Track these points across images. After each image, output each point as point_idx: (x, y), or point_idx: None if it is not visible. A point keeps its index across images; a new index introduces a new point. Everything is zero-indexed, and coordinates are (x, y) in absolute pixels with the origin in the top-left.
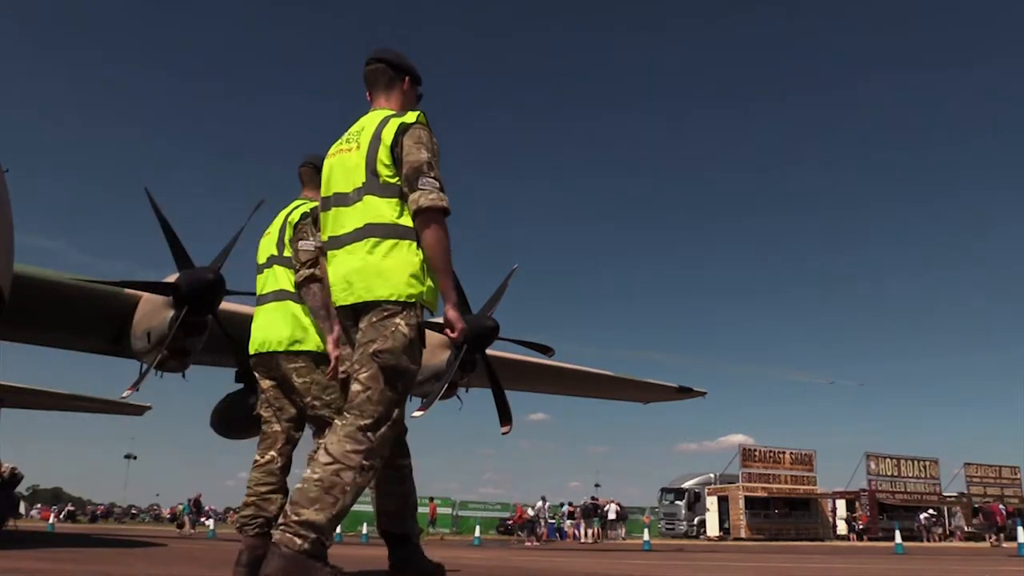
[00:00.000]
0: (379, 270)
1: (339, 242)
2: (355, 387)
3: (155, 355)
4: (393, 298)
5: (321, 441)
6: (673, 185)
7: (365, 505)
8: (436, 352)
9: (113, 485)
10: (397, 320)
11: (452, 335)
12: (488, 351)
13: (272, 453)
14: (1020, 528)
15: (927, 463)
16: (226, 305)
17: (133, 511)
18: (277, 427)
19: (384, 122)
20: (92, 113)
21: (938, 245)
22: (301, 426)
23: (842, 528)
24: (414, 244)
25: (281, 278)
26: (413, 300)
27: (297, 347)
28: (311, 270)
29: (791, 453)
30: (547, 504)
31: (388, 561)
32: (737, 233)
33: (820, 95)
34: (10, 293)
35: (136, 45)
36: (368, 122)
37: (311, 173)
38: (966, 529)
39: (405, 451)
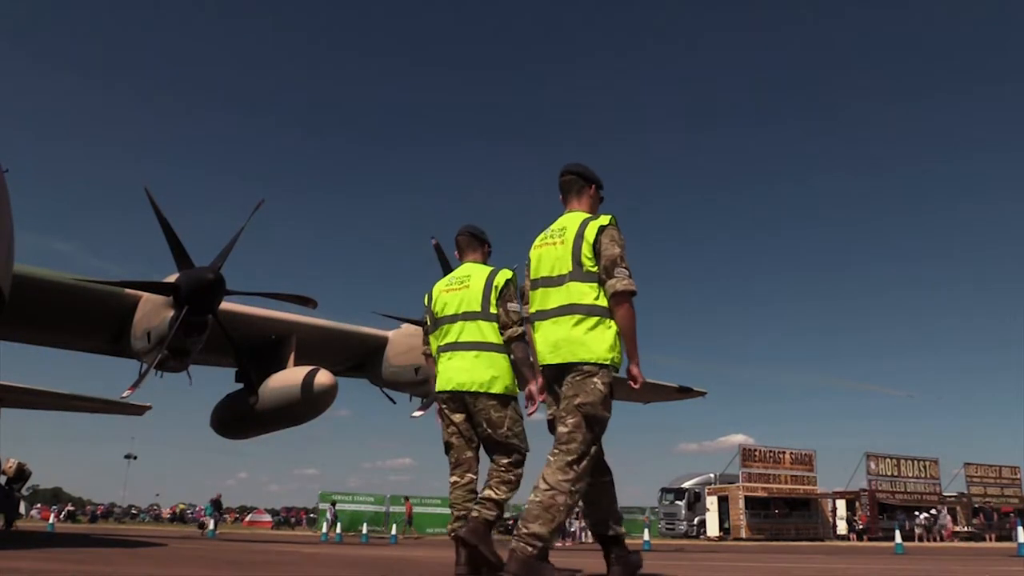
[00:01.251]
0: (583, 339)
1: (546, 315)
2: (562, 429)
3: (155, 355)
4: (592, 360)
5: (505, 461)
6: (673, 184)
7: (365, 505)
8: None
9: (113, 485)
10: (595, 379)
11: (635, 386)
12: None
13: (470, 475)
14: (1020, 528)
15: (927, 463)
16: (226, 305)
17: (133, 511)
18: (469, 453)
19: (585, 224)
20: (108, 115)
21: (935, 244)
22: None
23: (842, 528)
24: (609, 319)
25: (487, 332)
26: (607, 363)
27: (496, 389)
28: (523, 328)
29: (791, 453)
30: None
31: (605, 560)
32: (736, 231)
33: (824, 98)
34: (10, 293)
35: (152, 50)
36: (569, 223)
37: (468, 240)
38: (950, 528)
39: (605, 469)
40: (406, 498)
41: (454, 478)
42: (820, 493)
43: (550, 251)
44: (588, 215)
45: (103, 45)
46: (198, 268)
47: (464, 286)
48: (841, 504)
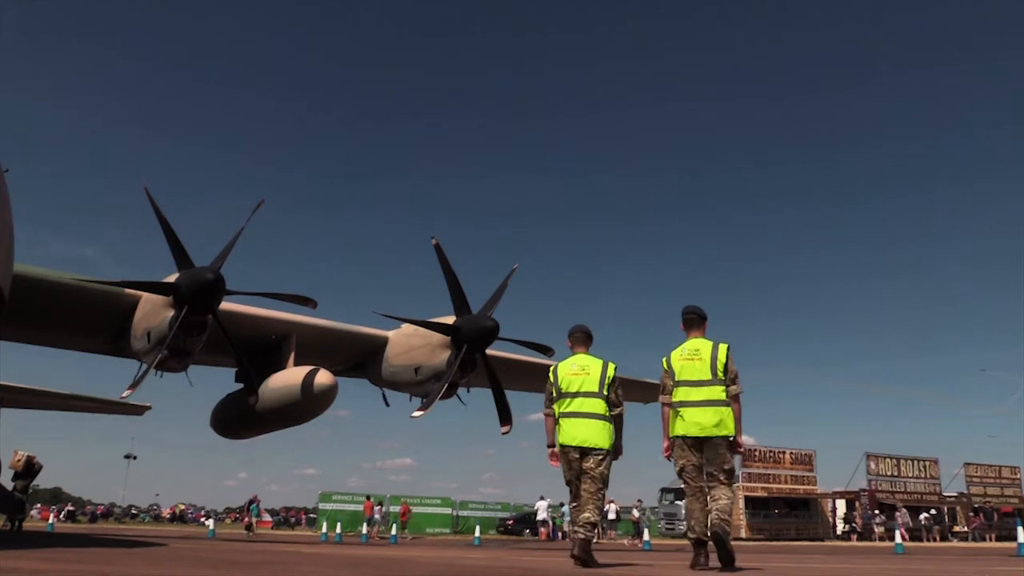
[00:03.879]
0: (720, 423)
1: (692, 404)
2: (723, 476)
3: (155, 355)
4: (728, 435)
5: (595, 489)
6: (674, 183)
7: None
8: (436, 352)
9: (113, 485)
10: (727, 448)
11: (739, 450)
12: (488, 351)
13: (580, 499)
14: (1020, 528)
15: (927, 463)
16: (226, 305)
17: (133, 511)
18: (579, 484)
19: (716, 348)
20: (130, 117)
21: (934, 242)
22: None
23: (842, 528)
24: (730, 409)
25: (600, 407)
26: (732, 436)
27: (603, 446)
28: (621, 409)
29: (791, 453)
30: (644, 508)
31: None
32: (737, 229)
33: (827, 90)
34: (10, 293)
35: (175, 53)
36: (701, 346)
37: (581, 337)
38: (903, 529)
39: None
40: (368, 497)
41: (576, 505)
42: (820, 493)
43: (690, 364)
44: (711, 341)
45: (106, 40)
46: (198, 268)
47: (585, 372)
48: (841, 504)
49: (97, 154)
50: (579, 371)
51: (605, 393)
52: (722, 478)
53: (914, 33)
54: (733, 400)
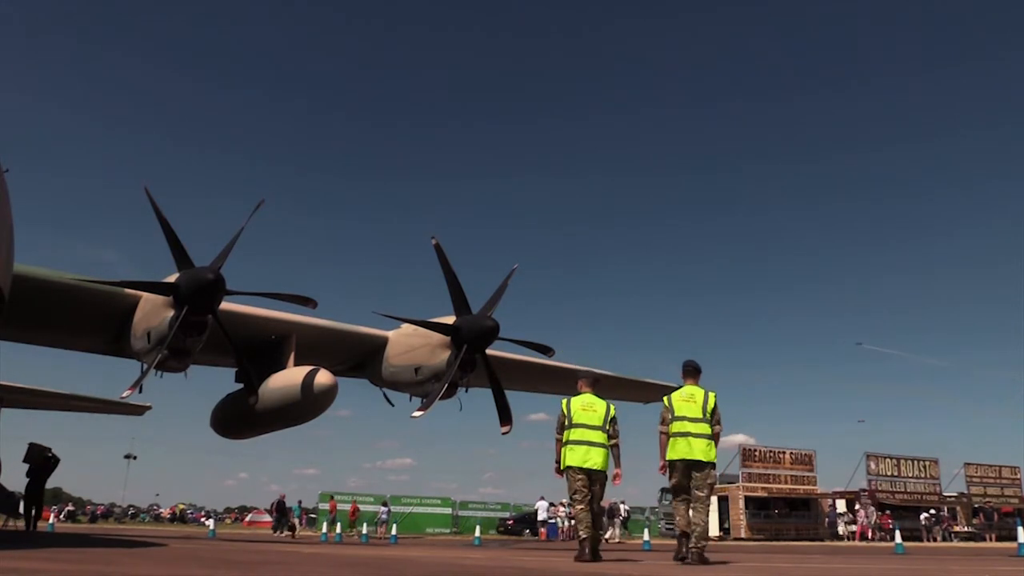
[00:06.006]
0: (709, 451)
1: (686, 435)
2: (701, 495)
3: (155, 355)
4: (712, 460)
5: (602, 506)
6: (674, 183)
7: (365, 505)
8: (436, 352)
9: (113, 485)
10: (713, 471)
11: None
12: (488, 351)
13: (590, 506)
14: (1020, 528)
15: (927, 463)
16: (226, 305)
17: (133, 511)
18: (588, 496)
19: (707, 395)
20: (146, 119)
21: (932, 241)
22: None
23: (842, 528)
24: (714, 441)
25: (603, 438)
26: (715, 462)
27: (604, 469)
28: (616, 440)
29: (791, 453)
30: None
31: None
32: (739, 230)
33: (825, 88)
34: (10, 293)
35: (175, 53)
36: (695, 392)
37: (591, 380)
38: (863, 526)
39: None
40: (331, 496)
41: (581, 506)
42: (820, 493)
43: (685, 404)
44: (703, 389)
45: (106, 41)
46: (198, 268)
47: (593, 410)
48: (841, 504)
49: (109, 156)
50: (587, 407)
51: (607, 428)
52: (707, 492)
53: (914, 33)
54: (718, 435)
